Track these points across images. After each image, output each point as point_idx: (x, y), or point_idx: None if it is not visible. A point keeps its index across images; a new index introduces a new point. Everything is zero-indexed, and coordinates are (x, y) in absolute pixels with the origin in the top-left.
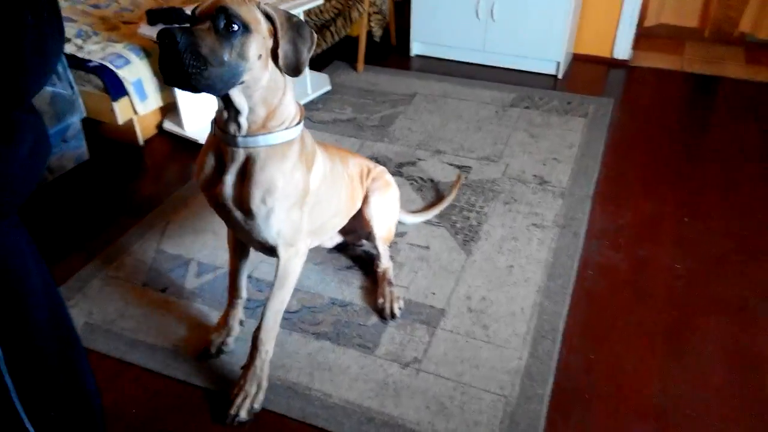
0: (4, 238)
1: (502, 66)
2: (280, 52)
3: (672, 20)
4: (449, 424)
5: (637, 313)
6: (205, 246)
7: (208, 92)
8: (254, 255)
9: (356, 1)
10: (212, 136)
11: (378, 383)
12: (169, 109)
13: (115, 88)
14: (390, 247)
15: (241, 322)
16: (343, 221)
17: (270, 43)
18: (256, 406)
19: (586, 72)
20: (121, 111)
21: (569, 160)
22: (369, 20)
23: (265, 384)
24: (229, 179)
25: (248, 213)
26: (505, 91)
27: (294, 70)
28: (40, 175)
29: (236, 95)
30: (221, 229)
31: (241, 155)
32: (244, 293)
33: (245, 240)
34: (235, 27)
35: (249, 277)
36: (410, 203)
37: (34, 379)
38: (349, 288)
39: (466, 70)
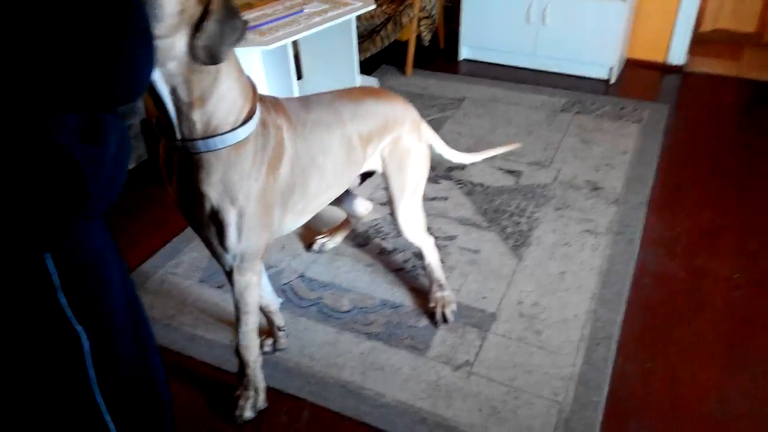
0: (91, 241)
1: (552, 70)
2: (204, 27)
3: (729, 25)
4: (502, 428)
5: (695, 324)
6: None
7: None
8: (307, 255)
9: (406, 6)
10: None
11: (429, 384)
12: None
13: None
14: (439, 249)
15: (280, 328)
16: (335, 196)
17: (197, 10)
18: (260, 404)
19: (640, 77)
20: None
21: (623, 167)
22: (419, 25)
23: (261, 385)
24: (178, 185)
25: (198, 227)
26: (556, 96)
27: (210, 57)
28: (125, 176)
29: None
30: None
31: (184, 159)
32: (271, 306)
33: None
34: None
35: (302, 276)
36: (460, 207)
37: (115, 375)
38: (400, 289)
39: (516, 75)
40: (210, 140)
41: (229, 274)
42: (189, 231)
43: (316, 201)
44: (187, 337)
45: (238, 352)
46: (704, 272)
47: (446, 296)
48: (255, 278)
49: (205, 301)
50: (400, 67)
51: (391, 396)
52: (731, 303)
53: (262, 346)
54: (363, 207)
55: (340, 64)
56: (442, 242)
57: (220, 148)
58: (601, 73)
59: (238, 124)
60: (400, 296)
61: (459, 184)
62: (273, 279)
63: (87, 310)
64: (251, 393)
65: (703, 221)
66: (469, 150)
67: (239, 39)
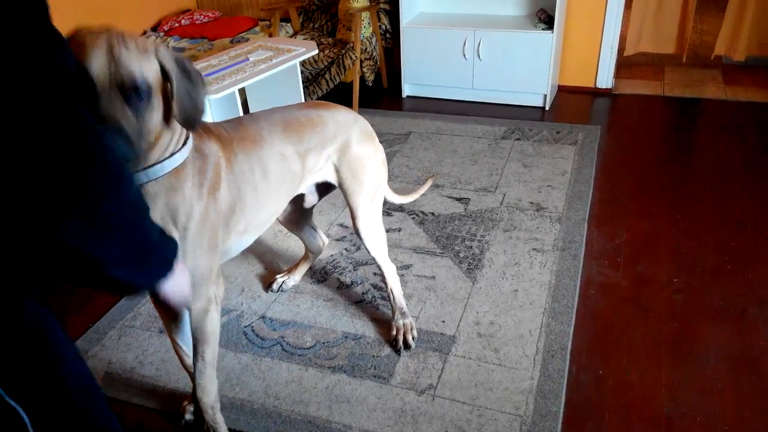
0: (27, 318)
1: (491, 101)
2: (176, 107)
3: (650, 48)
4: None
5: (641, 328)
6: None
7: None
8: (266, 296)
9: (348, 49)
10: None
11: (396, 412)
12: None
13: None
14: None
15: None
16: (276, 212)
17: (158, 97)
18: None
19: (572, 102)
20: None
21: (563, 186)
22: (361, 66)
23: (223, 430)
24: None
25: None
26: (497, 125)
27: (193, 123)
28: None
29: None
30: (235, 269)
31: None
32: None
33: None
34: (144, 93)
35: (263, 317)
36: (414, 237)
37: None
38: (361, 321)
39: (458, 108)
40: (150, 170)
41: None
42: None
43: (256, 218)
44: (148, 389)
45: (194, 395)
46: (645, 279)
47: (407, 323)
48: (212, 305)
49: (166, 351)
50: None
51: (358, 427)
52: (673, 305)
53: (183, 412)
54: (321, 241)
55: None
56: (399, 271)
57: (160, 176)
58: (536, 101)
59: (175, 151)
60: (362, 327)
61: (411, 215)
62: (233, 323)
63: (23, 386)
64: None
65: (641, 231)
66: (418, 181)
67: (205, 93)
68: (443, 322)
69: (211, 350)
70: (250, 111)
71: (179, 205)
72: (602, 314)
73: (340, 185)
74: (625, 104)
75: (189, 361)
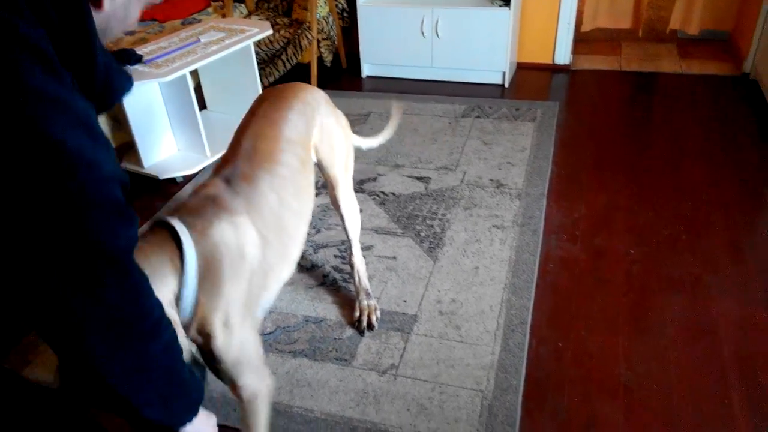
0: None
1: (450, 80)
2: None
3: (607, 24)
4: (431, 424)
5: (599, 299)
6: None
7: None
8: None
9: (304, 30)
10: None
11: (358, 393)
12: (127, 149)
13: None
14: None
15: None
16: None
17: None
18: None
19: (531, 79)
20: None
21: (522, 163)
22: (318, 46)
23: None
24: None
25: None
26: (456, 103)
27: None
28: None
29: None
30: None
31: None
32: None
33: None
34: None
35: None
36: (374, 218)
37: None
38: (322, 304)
39: (417, 87)
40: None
41: (234, 390)
42: None
43: (298, 237)
44: None
45: None
46: (603, 252)
47: (372, 304)
48: (265, 390)
49: None
50: None
51: (320, 410)
52: (630, 276)
53: None
54: None
55: (243, 92)
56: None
57: (189, 315)
58: (495, 79)
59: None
60: (323, 310)
61: (372, 195)
62: None
63: None
64: None
65: (598, 205)
66: (379, 161)
67: None
68: (405, 301)
69: None
70: (205, 96)
71: (220, 300)
72: (561, 288)
73: (320, 161)
74: (583, 80)
75: None
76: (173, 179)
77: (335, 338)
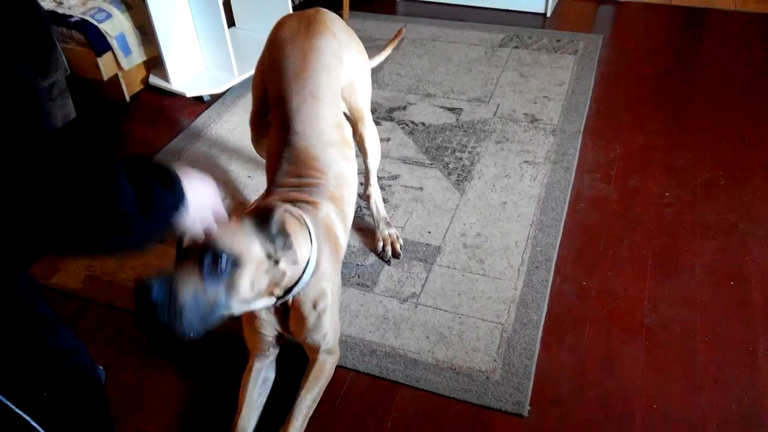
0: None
1: (489, 6)
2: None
3: None
4: (449, 352)
5: (628, 241)
6: None
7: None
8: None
9: None
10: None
11: (378, 318)
12: (154, 64)
13: (99, 43)
14: (383, 189)
15: None
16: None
17: (267, 265)
18: None
19: (575, 9)
20: (105, 66)
21: (559, 98)
22: None
23: None
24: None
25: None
26: (494, 32)
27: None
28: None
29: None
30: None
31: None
32: None
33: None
34: (224, 263)
35: None
36: (402, 147)
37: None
38: None
39: (454, 12)
40: (294, 288)
41: (309, 352)
42: None
43: (352, 211)
44: (130, 292)
45: None
46: (637, 193)
47: (393, 233)
48: (334, 359)
49: (146, 257)
50: (337, 10)
51: (341, 332)
52: (662, 220)
53: None
54: None
55: (272, 8)
56: (386, 182)
57: (301, 293)
58: (537, 7)
59: (307, 257)
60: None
61: (401, 124)
62: None
63: (31, 396)
64: None
65: (636, 145)
66: (410, 89)
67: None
68: (429, 233)
69: (320, 391)
70: (234, 12)
71: (330, 278)
72: (590, 227)
73: (344, 98)
74: (630, 13)
75: (245, 420)
76: (200, 97)
77: (358, 264)
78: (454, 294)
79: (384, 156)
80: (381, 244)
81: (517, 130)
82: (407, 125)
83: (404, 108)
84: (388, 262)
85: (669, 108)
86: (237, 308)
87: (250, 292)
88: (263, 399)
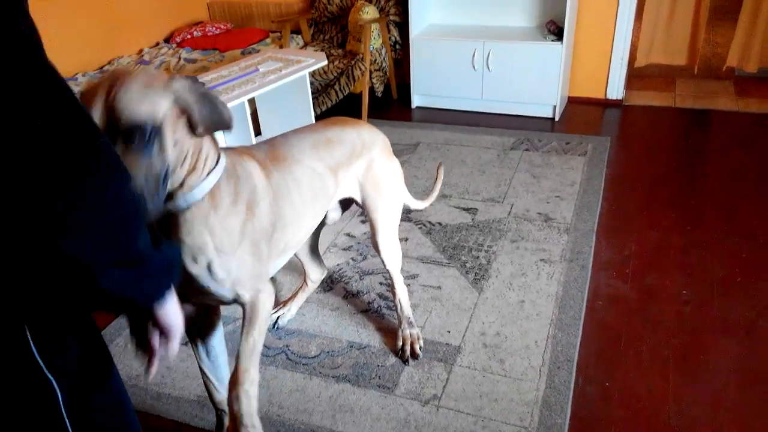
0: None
1: (500, 112)
2: (203, 130)
3: (661, 60)
4: None
5: (649, 340)
6: None
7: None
8: None
9: (357, 60)
10: None
11: (399, 422)
12: None
13: None
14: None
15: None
16: (311, 227)
17: (180, 119)
18: None
19: (582, 113)
20: None
21: (571, 197)
22: (371, 77)
23: None
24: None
25: (187, 283)
26: (505, 136)
27: (223, 126)
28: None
29: None
30: None
31: (163, 221)
32: (221, 390)
33: (204, 301)
34: (147, 134)
35: (275, 326)
36: (420, 247)
37: (91, 425)
38: (366, 330)
39: (466, 118)
40: (188, 194)
41: (240, 305)
42: None
43: (294, 237)
44: (153, 396)
45: (230, 402)
46: (654, 290)
47: (414, 333)
48: (265, 293)
49: (172, 360)
50: (356, 118)
51: None
52: (681, 318)
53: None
54: (323, 268)
55: (296, 119)
56: (405, 281)
57: (198, 200)
58: (545, 112)
59: (208, 172)
60: (367, 337)
61: (418, 224)
62: (239, 331)
63: (58, 359)
64: None
65: (650, 242)
66: (426, 191)
67: (221, 102)
68: (449, 332)
69: (259, 331)
70: (260, 122)
71: (216, 225)
72: (610, 326)
73: (364, 201)
74: (636, 115)
75: (218, 396)
76: None
77: (378, 365)
78: (475, 396)
79: (403, 255)
80: (401, 342)
81: (532, 229)
82: (425, 225)
83: (421, 209)
84: (406, 362)
85: (680, 206)
86: (177, 175)
87: (173, 147)
88: (221, 346)
